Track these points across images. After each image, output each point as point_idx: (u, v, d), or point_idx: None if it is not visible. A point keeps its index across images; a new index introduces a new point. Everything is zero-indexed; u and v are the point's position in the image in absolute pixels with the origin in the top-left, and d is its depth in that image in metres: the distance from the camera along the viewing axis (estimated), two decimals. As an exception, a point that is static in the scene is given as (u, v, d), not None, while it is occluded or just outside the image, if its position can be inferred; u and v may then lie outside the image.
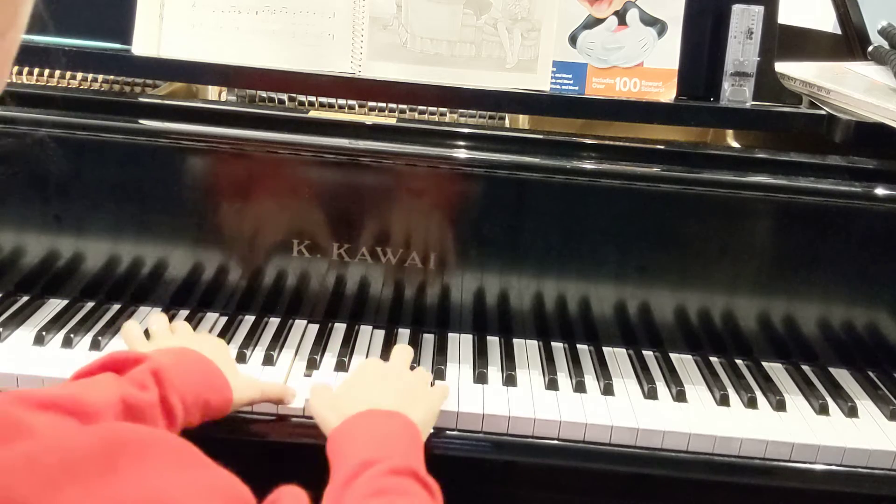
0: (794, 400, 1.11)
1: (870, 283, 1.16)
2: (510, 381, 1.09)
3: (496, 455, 1.05)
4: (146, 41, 1.17)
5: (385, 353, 1.09)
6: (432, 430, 0.98)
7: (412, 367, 1.05)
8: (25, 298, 1.19)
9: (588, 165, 1.13)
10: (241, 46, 1.17)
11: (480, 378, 1.10)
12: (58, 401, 0.73)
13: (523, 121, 1.33)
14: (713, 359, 1.20)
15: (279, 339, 1.14)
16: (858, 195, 1.12)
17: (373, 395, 0.93)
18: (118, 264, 1.18)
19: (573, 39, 1.18)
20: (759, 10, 1.17)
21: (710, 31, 1.19)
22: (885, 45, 1.36)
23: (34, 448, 0.49)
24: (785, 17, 1.23)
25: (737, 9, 1.17)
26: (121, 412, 0.80)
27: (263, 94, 1.34)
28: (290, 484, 0.66)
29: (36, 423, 0.54)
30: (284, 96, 1.34)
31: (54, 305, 1.19)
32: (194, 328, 1.15)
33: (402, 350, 1.06)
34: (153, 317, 1.10)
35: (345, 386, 0.98)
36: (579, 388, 1.09)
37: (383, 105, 1.32)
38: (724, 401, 1.10)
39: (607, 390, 1.10)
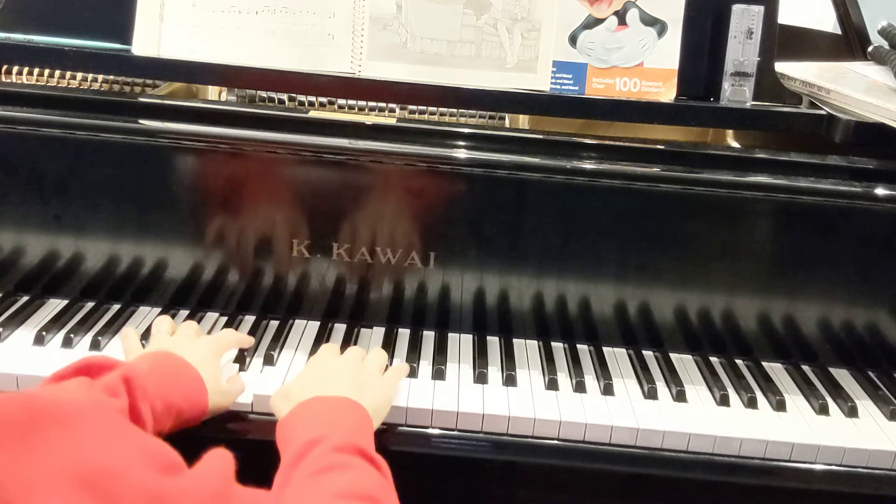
0: (794, 400, 1.11)
1: (870, 283, 1.16)
2: (510, 381, 1.09)
3: (496, 455, 1.05)
4: (146, 41, 1.17)
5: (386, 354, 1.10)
6: (434, 429, 0.99)
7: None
8: (25, 298, 1.19)
9: (588, 165, 1.13)
10: (241, 46, 1.17)
11: (480, 378, 1.10)
12: None
13: (523, 121, 1.33)
14: (713, 359, 1.20)
15: (279, 339, 1.14)
16: (858, 195, 1.12)
17: (324, 384, 0.94)
18: (118, 264, 1.18)
19: (573, 39, 1.18)
20: (759, 10, 1.17)
21: (710, 31, 1.19)
22: (885, 45, 1.36)
23: None
24: (785, 17, 1.23)
25: (737, 9, 1.17)
26: None
27: (263, 94, 1.34)
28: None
29: None
30: (284, 96, 1.34)
31: (54, 305, 1.19)
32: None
33: (358, 349, 1.06)
34: (158, 319, 1.09)
35: (298, 378, 0.99)
36: (579, 388, 1.09)
37: (383, 105, 1.32)
38: (724, 401, 1.10)
39: (607, 390, 1.10)
